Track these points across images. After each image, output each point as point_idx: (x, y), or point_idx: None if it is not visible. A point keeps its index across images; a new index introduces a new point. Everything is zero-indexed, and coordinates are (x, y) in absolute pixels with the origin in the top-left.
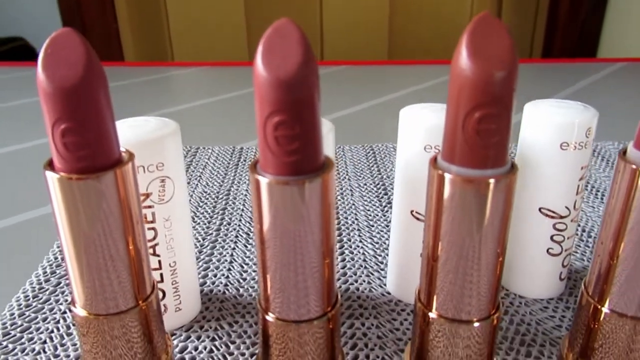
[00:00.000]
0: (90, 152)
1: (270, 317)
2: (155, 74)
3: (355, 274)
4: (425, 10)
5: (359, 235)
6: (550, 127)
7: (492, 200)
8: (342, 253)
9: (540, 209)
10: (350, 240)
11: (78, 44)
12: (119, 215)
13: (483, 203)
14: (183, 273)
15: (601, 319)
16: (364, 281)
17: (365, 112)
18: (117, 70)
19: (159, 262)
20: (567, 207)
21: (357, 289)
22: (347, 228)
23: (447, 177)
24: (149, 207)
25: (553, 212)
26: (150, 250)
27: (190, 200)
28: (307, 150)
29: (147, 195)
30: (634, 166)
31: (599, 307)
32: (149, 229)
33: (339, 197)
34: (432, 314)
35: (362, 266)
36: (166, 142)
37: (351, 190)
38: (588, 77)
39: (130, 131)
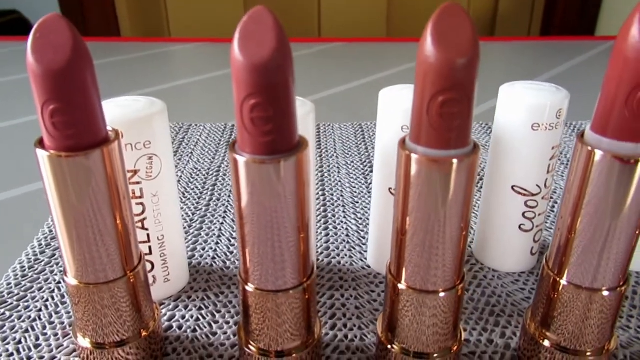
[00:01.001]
0: (78, 131)
1: (249, 288)
2: (151, 50)
3: (338, 248)
4: None
5: (344, 212)
6: (522, 109)
7: (455, 179)
8: (326, 228)
9: (513, 187)
10: (334, 216)
11: (65, 29)
12: (107, 190)
13: (447, 181)
14: (171, 246)
15: (560, 290)
16: (346, 255)
17: (358, 90)
18: (114, 45)
19: (148, 235)
20: (538, 186)
21: (339, 262)
22: (333, 204)
23: (414, 157)
24: (137, 183)
25: (525, 190)
26: (139, 225)
27: (181, 176)
28: (282, 131)
29: (135, 172)
30: (589, 148)
31: (558, 279)
32: (137, 204)
33: (325, 174)
34: (401, 285)
35: (344, 241)
36: (153, 121)
37: (338, 167)
38: (581, 56)
39: (119, 110)
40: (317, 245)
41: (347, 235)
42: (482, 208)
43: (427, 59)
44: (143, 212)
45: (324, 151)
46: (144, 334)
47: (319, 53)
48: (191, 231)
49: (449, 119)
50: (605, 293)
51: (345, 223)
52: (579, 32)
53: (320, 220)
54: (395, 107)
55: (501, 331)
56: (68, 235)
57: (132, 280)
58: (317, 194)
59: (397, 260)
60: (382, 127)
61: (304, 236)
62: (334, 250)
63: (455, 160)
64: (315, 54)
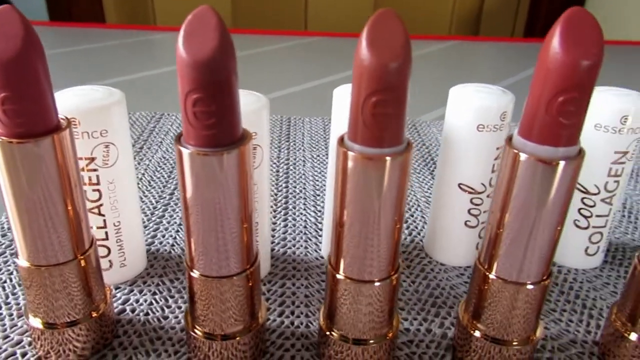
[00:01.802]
0: (29, 119)
1: (195, 274)
2: (135, 37)
3: (295, 239)
4: None
5: (304, 204)
6: (469, 110)
7: (389, 175)
8: (285, 219)
9: (459, 185)
10: (295, 208)
11: (16, 20)
12: (57, 177)
13: (381, 178)
14: (127, 232)
15: (489, 283)
16: (302, 246)
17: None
18: (98, 32)
19: (104, 221)
20: (483, 184)
21: (294, 253)
22: (295, 196)
23: (350, 154)
24: (94, 170)
25: (471, 188)
26: (96, 210)
27: (148, 164)
28: (224, 125)
29: (92, 159)
30: (515, 151)
31: (487, 273)
32: (93, 190)
33: (291, 167)
34: (340, 275)
35: (302, 232)
36: (110, 110)
37: (304, 160)
38: None
39: (76, 99)
40: (274, 236)
41: (305, 227)
42: (432, 204)
43: (362, 62)
44: (99, 198)
45: (291, 144)
46: (94, 315)
47: (299, 46)
48: (153, 219)
49: (382, 119)
50: (530, 286)
51: (305, 215)
52: None
53: (280, 212)
54: (347, 104)
55: (440, 321)
56: (19, 219)
57: (82, 263)
58: (281, 186)
59: (335, 252)
60: (336, 123)
61: (247, 226)
62: (290, 241)
63: (388, 158)
64: (298, 47)
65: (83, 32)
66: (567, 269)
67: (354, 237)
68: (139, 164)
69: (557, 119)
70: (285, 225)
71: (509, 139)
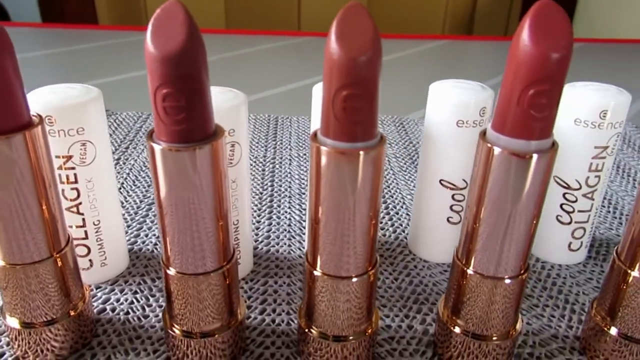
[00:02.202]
0: None
1: (171, 271)
2: (126, 38)
3: (279, 237)
4: None
5: (289, 202)
6: (448, 106)
7: (362, 170)
8: (269, 218)
9: (440, 181)
10: (280, 206)
11: None
12: (30, 174)
13: (354, 172)
14: (108, 231)
15: (467, 279)
16: (285, 244)
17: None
18: (90, 33)
19: (83, 220)
20: (464, 180)
21: (277, 251)
22: (280, 195)
23: (323, 149)
24: (71, 168)
25: (452, 184)
26: (74, 209)
27: (133, 164)
28: (195, 120)
29: (69, 158)
30: (489, 145)
31: (465, 268)
32: (71, 189)
33: (277, 166)
34: (317, 272)
35: (286, 230)
36: (86, 108)
37: (290, 159)
38: None
39: (52, 97)
40: (258, 234)
41: (289, 225)
42: (415, 201)
43: (331, 56)
44: (78, 197)
45: (278, 143)
46: (72, 314)
47: (291, 46)
48: (137, 218)
49: (353, 113)
50: (508, 281)
51: (289, 213)
52: None
53: (265, 210)
54: None
55: (422, 318)
56: None
57: (58, 262)
58: (266, 184)
59: (312, 248)
60: (315, 120)
61: (222, 223)
62: (274, 239)
63: (361, 152)
64: (289, 47)
65: (75, 33)
66: (551, 265)
67: (330, 233)
68: (124, 163)
69: (528, 112)
70: (270, 224)
71: (483, 133)
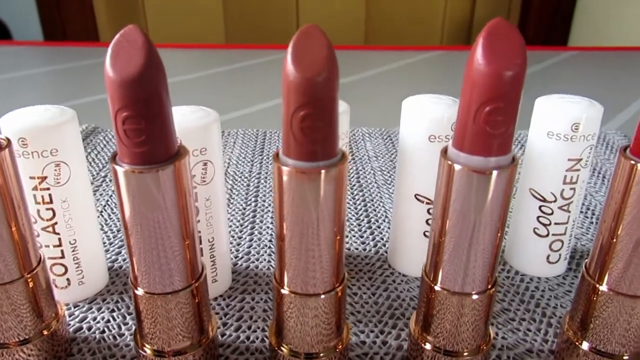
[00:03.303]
0: None
1: (139, 292)
2: None
3: (259, 253)
4: None
5: (272, 218)
6: (420, 121)
7: (324, 188)
8: (251, 233)
9: (415, 195)
10: (262, 222)
11: None
12: None
13: (316, 191)
14: (85, 250)
15: (435, 295)
16: (265, 260)
17: None
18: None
19: (59, 239)
20: None
21: (257, 267)
22: (262, 210)
23: (285, 169)
24: (46, 189)
25: (426, 198)
26: (50, 229)
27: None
28: (156, 142)
29: (43, 178)
30: (449, 162)
31: (433, 285)
32: (47, 209)
33: (262, 181)
34: (284, 290)
35: (266, 246)
36: (60, 129)
37: None
38: (530, 67)
39: (25, 119)
40: (238, 250)
41: (270, 241)
42: (393, 215)
43: (288, 77)
44: (53, 216)
45: (265, 158)
46: (45, 333)
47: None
48: (119, 235)
49: (311, 132)
50: (475, 296)
51: (271, 229)
52: (552, 42)
53: (247, 226)
54: None
55: (397, 333)
56: None
57: (29, 282)
58: (250, 200)
59: (279, 266)
60: None
61: (189, 242)
62: (254, 255)
63: (322, 171)
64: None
65: (76, 51)
66: (530, 278)
67: (295, 251)
68: (110, 181)
69: (485, 129)
70: (251, 240)
71: (444, 151)
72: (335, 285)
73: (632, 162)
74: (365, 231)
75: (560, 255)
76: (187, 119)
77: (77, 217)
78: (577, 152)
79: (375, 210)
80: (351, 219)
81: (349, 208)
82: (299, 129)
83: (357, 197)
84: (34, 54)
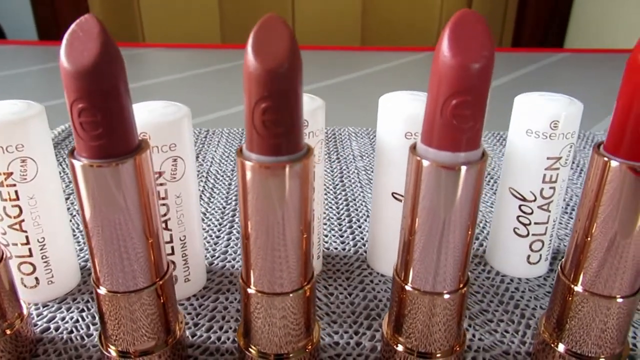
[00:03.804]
0: None
1: (102, 290)
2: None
3: (236, 253)
4: None
5: None
6: (397, 118)
7: (289, 184)
8: (229, 232)
9: (393, 194)
10: None
11: None
12: None
13: (281, 186)
14: (54, 249)
15: (406, 295)
16: (241, 259)
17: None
18: None
19: (27, 237)
20: None
21: (233, 267)
22: None
23: (248, 164)
24: (12, 185)
25: (403, 196)
26: (17, 227)
27: None
28: (114, 135)
29: (9, 175)
30: (418, 158)
31: (404, 285)
32: (13, 206)
33: None
34: (251, 290)
35: None
36: (27, 124)
37: None
38: (524, 68)
39: None
40: (215, 249)
41: None
42: (371, 214)
43: (248, 69)
44: (20, 214)
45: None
46: (8, 333)
47: None
48: None
49: (272, 126)
50: (447, 296)
51: None
52: (548, 44)
53: (226, 225)
54: None
55: (372, 334)
56: None
57: None
58: (230, 198)
59: (245, 265)
60: None
61: (152, 239)
62: (231, 255)
63: (287, 166)
64: None
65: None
66: (510, 278)
67: (261, 249)
68: None
69: (453, 124)
70: (229, 239)
71: (413, 147)
72: (303, 284)
73: (605, 159)
74: (345, 231)
75: (541, 255)
76: (156, 114)
77: (45, 214)
78: (556, 151)
79: (357, 210)
80: (332, 218)
81: (331, 207)
82: (260, 122)
83: (339, 197)
84: (28, 53)
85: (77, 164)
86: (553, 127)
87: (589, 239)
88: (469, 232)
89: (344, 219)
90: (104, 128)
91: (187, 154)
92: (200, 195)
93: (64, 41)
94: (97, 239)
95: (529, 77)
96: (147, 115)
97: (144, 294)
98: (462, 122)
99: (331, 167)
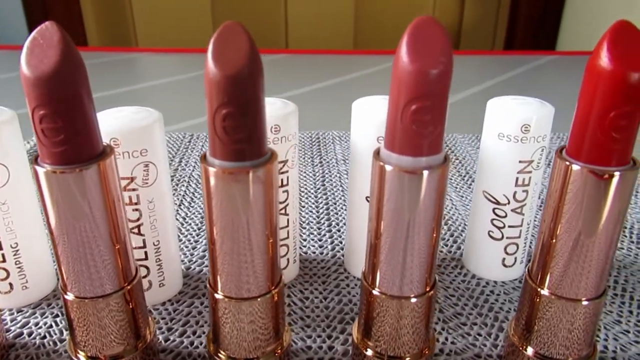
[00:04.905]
0: None
1: (69, 296)
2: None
3: None
4: (391, 1)
5: None
6: (369, 123)
7: (253, 189)
8: None
9: (367, 198)
10: None
11: None
12: None
13: (245, 191)
14: (28, 254)
15: (373, 299)
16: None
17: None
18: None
19: None
20: None
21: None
22: None
23: (211, 170)
24: None
25: None
26: None
27: None
28: (77, 141)
29: None
30: (381, 163)
31: (371, 289)
32: None
33: None
34: (218, 295)
35: None
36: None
37: None
38: (512, 71)
39: None
40: (193, 254)
41: None
42: (347, 218)
43: (208, 74)
44: None
45: None
46: None
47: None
48: None
49: (233, 132)
50: (414, 300)
51: None
52: (540, 47)
53: (204, 230)
54: None
55: (345, 338)
56: None
57: None
58: None
59: (212, 270)
60: None
61: (118, 245)
62: (208, 259)
63: (250, 171)
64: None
65: None
66: (486, 282)
67: (227, 254)
68: None
69: (413, 129)
70: (207, 244)
71: (377, 152)
72: (271, 289)
73: (567, 162)
74: (324, 235)
75: (515, 258)
76: (127, 120)
77: (18, 220)
78: (527, 154)
79: (337, 214)
80: (312, 222)
81: (311, 211)
82: (221, 128)
83: (320, 201)
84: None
85: (41, 171)
86: (524, 131)
87: (553, 241)
88: (434, 236)
89: (324, 223)
90: (66, 134)
91: (160, 159)
92: (182, 200)
93: (24, 48)
94: (63, 245)
95: (516, 80)
96: (117, 121)
97: (112, 299)
98: (422, 127)
99: (313, 171)
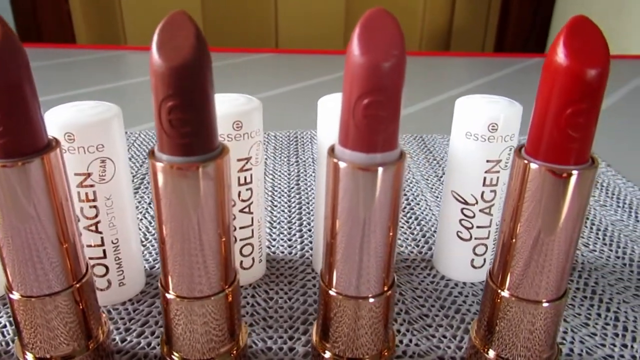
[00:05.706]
0: None
1: (14, 296)
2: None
3: None
4: (382, 2)
5: None
6: (335, 120)
7: (203, 185)
8: None
9: None
10: None
11: None
12: None
13: (194, 187)
14: None
15: (330, 300)
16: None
17: (278, 97)
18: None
19: None
20: None
21: None
22: None
23: (159, 165)
24: None
25: None
26: None
27: None
28: (17, 133)
29: None
30: (335, 160)
31: (328, 290)
32: None
33: None
34: (170, 295)
35: None
36: None
37: None
38: (499, 72)
39: None
40: (158, 253)
41: None
42: (315, 217)
43: (153, 66)
44: None
45: None
46: None
47: (246, 63)
48: None
49: (179, 125)
50: (372, 300)
51: None
52: (530, 49)
53: None
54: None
55: (307, 339)
56: None
57: None
58: None
59: (163, 270)
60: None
61: (66, 242)
62: None
63: (200, 167)
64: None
65: (52, 52)
66: (455, 283)
67: (177, 253)
68: None
69: (365, 124)
70: None
71: (331, 149)
72: (224, 288)
73: (525, 161)
74: (294, 234)
75: (484, 259)
76: (83, 114)
77: None
78: (495, 153)
79: (309, 214)
80: (282, 221)
81: (282, 211)
82: (167, 121)
83: (292, 200)
84: None
85: None
86: (491, 130)
87: (513, 240)
88: (391, 234)
89: (295, 223)
90: (5, 127)
91: (118, 155)
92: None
93: None
94: (7, 242)
95: (502, 81)
96: (73, 115)
97: (59, 297)
98: (375, 122)
99: (288, 170)
